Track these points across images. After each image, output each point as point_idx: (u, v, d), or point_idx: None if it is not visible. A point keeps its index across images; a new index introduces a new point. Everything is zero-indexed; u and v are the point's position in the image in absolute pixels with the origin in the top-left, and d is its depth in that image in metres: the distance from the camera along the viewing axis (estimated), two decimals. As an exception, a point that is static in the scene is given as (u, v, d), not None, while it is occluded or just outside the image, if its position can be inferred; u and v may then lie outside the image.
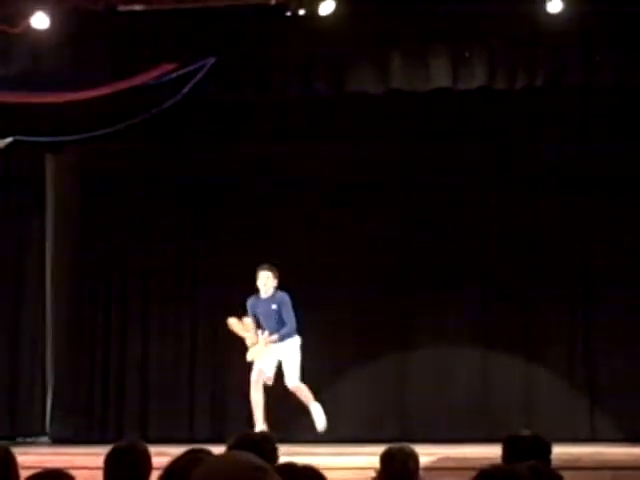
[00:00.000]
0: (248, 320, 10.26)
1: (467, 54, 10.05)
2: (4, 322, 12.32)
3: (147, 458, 4.26)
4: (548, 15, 9.59)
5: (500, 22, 9.76)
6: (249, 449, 3.11)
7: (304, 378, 11.86)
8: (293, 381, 10.23)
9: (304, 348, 11.13)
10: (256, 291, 10.36)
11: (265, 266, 10.25)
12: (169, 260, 12.39)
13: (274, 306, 10.15)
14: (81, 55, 10.02)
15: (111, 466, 4.19)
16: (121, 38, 10.04)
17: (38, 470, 3.30)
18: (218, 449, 3.82)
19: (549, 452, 4.36)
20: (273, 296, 10.19)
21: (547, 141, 11.99)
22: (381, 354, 11.94)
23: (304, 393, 10.24)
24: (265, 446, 4.08)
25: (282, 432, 8.92)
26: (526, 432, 4.49)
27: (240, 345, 12.23)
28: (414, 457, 4.64)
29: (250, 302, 10.30)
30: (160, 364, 12.27)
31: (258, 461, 2.10)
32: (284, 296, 10.20)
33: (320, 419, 10.10)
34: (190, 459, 3.61)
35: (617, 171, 11.72)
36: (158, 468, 4.19)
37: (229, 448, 3.98)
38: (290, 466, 3.50)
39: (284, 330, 10.13)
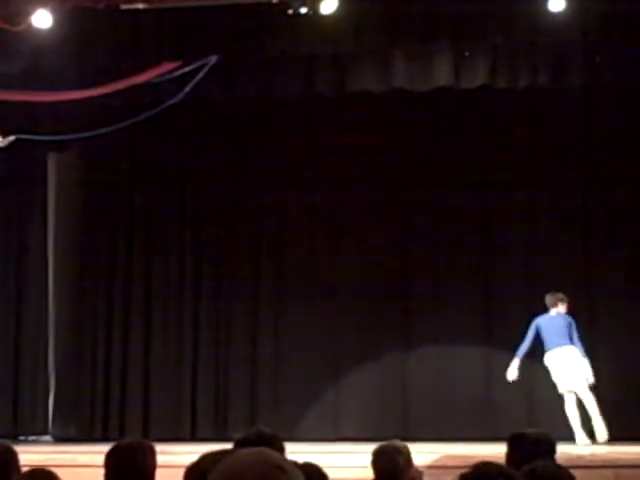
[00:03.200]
0: None
1: (466, 54, 10.04)
2: (6, 321, 12.32)
3: (152, 455, 4.20)
4: (549, 14, 9.57)
5: (502, 21, 9.75)
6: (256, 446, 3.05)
7: (305, 378, 11.88)
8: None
9: (305, 348, 11.14)
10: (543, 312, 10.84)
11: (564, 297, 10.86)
12: (171, 258, 12.39)
13: (564, 322, 10.81)
14: (83, 54, 10.01)
15: (112, 463, 4.14)
16: (123, 37, 10.02)
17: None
18: (219, 449, 3.80)
19: (554, 451, 4.34)
20: (561, 316, 10.87)
21: (548, 140, 11.98)
22: (382, 353, 11.93)
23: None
24: (273, 444, 4.04)
25: (283, 430, 8.90)
26: (531, 430, 4.47)
27: (242, 345, 12.24)
28: (404, 453, 4.55)
29: (542, 319, 10.81)
30: (162, 363, 12.26)
31: (279, 459, 2.00)
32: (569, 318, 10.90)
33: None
34: (217, 460, 3.53)
35: (618, 171, 11.72)
36: (160, 467, 4.18)
37: (236, 445, 3.94)
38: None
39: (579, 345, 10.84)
